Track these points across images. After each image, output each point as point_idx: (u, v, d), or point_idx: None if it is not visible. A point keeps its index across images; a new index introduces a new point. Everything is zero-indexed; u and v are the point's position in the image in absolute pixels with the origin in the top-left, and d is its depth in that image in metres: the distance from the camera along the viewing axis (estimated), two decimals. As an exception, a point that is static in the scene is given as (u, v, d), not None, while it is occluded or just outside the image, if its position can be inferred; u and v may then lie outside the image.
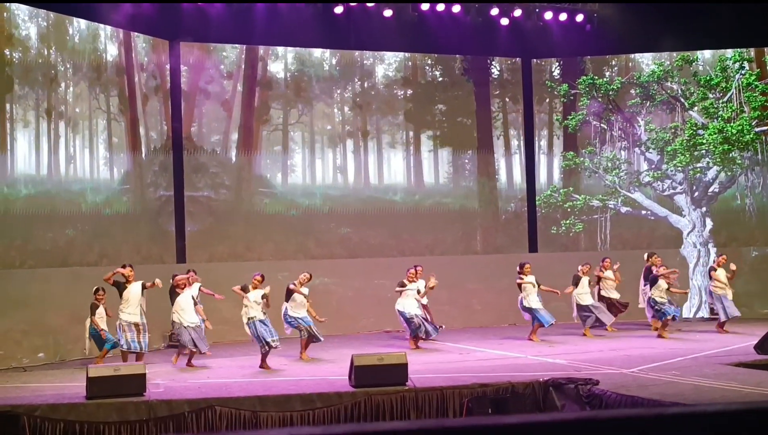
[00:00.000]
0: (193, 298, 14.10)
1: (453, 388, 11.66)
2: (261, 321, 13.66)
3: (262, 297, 13.81)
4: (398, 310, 15.66)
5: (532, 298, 16.35)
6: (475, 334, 17.91)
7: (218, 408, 11.02)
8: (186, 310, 13.87)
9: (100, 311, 14.04)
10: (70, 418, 10.69)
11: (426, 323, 15.63)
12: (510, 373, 12.48)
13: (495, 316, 19.60)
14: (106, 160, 17.26)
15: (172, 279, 14.43)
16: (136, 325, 13.70)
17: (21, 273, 15.30)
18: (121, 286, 13.82)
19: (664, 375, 12.13)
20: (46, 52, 16.18)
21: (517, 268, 16.60)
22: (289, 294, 14.46)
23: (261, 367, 13.58)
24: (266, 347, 13.54)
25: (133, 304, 13.71)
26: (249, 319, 13.71)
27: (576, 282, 17.03)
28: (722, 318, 17.16)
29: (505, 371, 12.76)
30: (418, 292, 15.88)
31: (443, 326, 18.72)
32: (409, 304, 15.61)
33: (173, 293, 14.27)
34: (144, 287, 13.84)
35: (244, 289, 13.88)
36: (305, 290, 14.54)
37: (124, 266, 14.01)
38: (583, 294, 17.06)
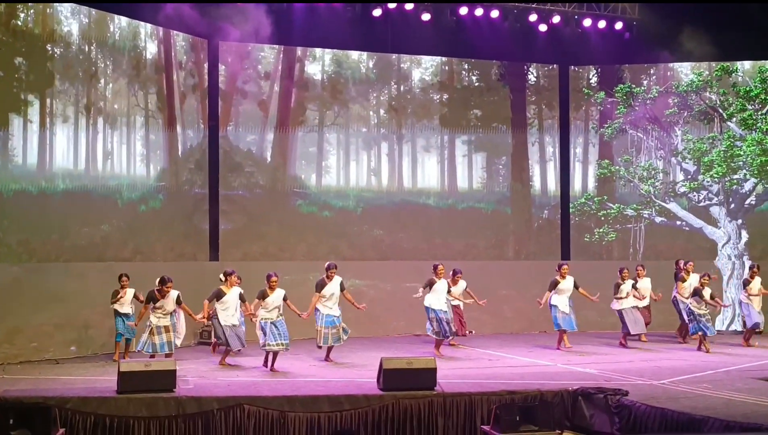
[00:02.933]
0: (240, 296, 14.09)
1: (481, 394, 11.59)
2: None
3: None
4: (425, 306, 15.53)
5: (560, 299, 16.18)
6: (505, 341, 17.83)
7: (246, 407, 11.02)
8: (227, 310, 13.95)
9: (122, 295, 14.54)
10: (101, 411, 10.74)
11: (445, 324, 15.41)
12: (539, 381, 12.39)
13: (526, 323, 19.49)
14: (142, 157, 17.37)
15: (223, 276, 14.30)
16: (166, 327, 13.68)
17: (57, 267, 15.42)
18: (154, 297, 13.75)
19: (696, 388, 11.98)
20: (86, 49, 16.31)
21: (556, 268, 16.45)
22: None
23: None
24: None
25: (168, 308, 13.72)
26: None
27: (616, 289, 16.88)
28: (747, 326, 17.08)
29: (535, 379, 12.67)
30: (449, 291, 15.74)
31: (473, 332, 18.64)
32: (436, 300, 15.46)
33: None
34: (178, 302, 13.82)
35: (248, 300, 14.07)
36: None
37: (163, 281, 13.77)
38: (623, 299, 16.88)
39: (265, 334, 13.47)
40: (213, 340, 15.34)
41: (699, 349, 16.18)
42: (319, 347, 14.51)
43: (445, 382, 11.86)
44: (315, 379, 12.68)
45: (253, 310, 13.66)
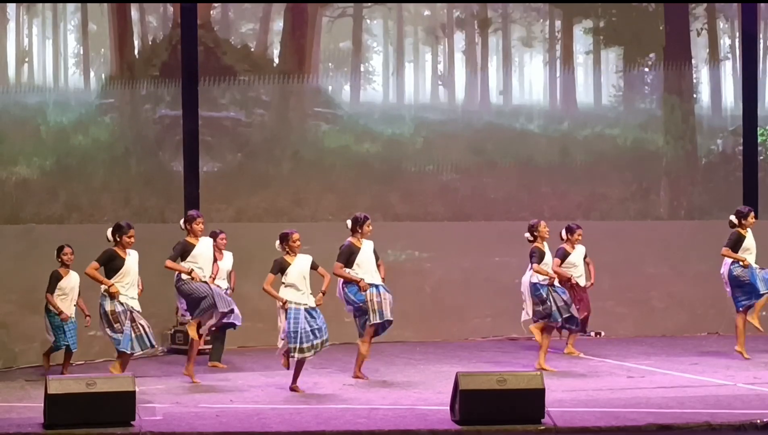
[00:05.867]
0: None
1: (616, 429, 11.62)
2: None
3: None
4: (531, 283, 15.41)
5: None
6: (654, 347, 17.81)
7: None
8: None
9: (67, 282, 14.45)
10: (18, 457, 10.93)
11: (563, 310, 15.31)
12: (709, 410, 12.36)
13: (686, 318, 19.40)
14: (78, 59, 17.46)
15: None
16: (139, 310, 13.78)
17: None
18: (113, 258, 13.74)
19: None
20: None
21: (734, 219, 16.15)
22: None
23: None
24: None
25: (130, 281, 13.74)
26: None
27: None
28: None
29: (702, 406, 12.65)
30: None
31: (601, 333, 18.65)
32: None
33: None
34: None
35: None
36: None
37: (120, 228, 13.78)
38: None
39: (294, 331, 13.45)
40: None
41: None
42: (373, 325, 14.41)
43: (560, 411, 11.89)
44: (351, 406, 12.76)
45: (268, 288, 13.67)
